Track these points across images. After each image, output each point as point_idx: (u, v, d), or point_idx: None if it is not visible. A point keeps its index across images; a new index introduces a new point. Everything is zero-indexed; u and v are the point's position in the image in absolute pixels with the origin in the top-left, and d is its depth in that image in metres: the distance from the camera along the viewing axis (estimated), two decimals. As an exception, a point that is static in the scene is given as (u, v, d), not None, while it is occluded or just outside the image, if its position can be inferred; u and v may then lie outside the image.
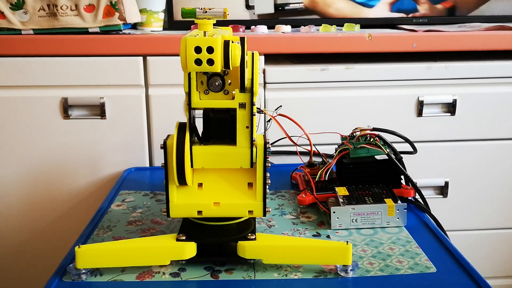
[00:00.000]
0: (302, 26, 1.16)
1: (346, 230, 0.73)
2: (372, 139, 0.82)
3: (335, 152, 0.82)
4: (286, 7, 1.31)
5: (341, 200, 0.74)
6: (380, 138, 0.82)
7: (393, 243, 0.69)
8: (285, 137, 0.83)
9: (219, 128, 0.62)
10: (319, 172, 0.80)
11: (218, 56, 0.54)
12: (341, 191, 0.77)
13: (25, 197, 1.08)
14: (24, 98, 1.03)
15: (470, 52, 1.10)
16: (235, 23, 1.20)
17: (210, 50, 0.54)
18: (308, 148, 0.86)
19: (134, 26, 1.18)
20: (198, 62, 0.54)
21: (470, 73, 1.07)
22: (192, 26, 1.18)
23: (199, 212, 0.62)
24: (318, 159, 0.90)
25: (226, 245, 0.64)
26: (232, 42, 0.56)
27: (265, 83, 1.05)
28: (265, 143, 0.61)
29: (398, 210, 0.73)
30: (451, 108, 1.08)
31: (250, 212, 0.62)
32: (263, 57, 1.05)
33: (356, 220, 0.73)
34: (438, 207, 1.13)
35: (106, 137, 1.05)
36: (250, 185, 0.63)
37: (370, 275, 0.61)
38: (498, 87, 1.09)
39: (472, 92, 1.08)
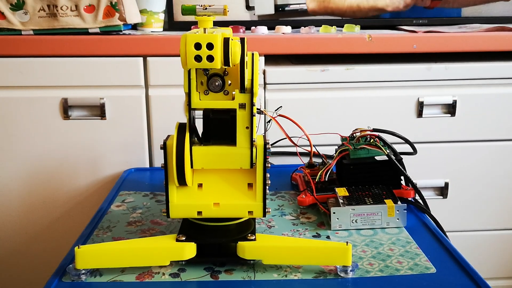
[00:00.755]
0: (302, 27, 1.16)
1: (346, 231, 0.73)
2: (372, 140, 0.82)
3: (335, 153, 0.82)
4: (286, 8, 1.31)
5: (341, 200, 0.74)
6: (380, 139, 0.82)
7: (393, 244, 0.69)
8: (285, 138, 0.83)
9: (219, 128, 0.61)
10: (319, 172, 0.80)
11: (218, 53, 0.54)
12: (341, 191, 0.77)
13: (25, 198, 1.08)
14: (24, 99, 1.03)
15: (470, 53, 1.10)
16: (235, 24, 1.20)
17: (210, 46, 0.54)
18: (308, 148, 0.86)
19: (134, 26, 1.18)
20: (198, 58, 0.54)
21: (470, 74, 1.07)
22: (192, 27, 1.18)
23: (199, 213, 0.62)
24: (318, 160, 0.90)
25: (226, 245, 0.64)
26: (232, 39, 0.56)
27: (265, 83, 1.05)
28: (265, 143, 0.61)
29: (398, 210, 0.73)
30: (451, 109, 1.08)
31: (250, 212, 0.62)
32: (263, 57, 1.05)
33: (356, 221, 0.73)
34: (438, 208, 1.13)
35: (106, 137, 1.05)
36: (250, 185, 0.63)
37: (370, 275, 0.61)
38: (498, 88, 1.09)
39: (472, 93, 1.08)
